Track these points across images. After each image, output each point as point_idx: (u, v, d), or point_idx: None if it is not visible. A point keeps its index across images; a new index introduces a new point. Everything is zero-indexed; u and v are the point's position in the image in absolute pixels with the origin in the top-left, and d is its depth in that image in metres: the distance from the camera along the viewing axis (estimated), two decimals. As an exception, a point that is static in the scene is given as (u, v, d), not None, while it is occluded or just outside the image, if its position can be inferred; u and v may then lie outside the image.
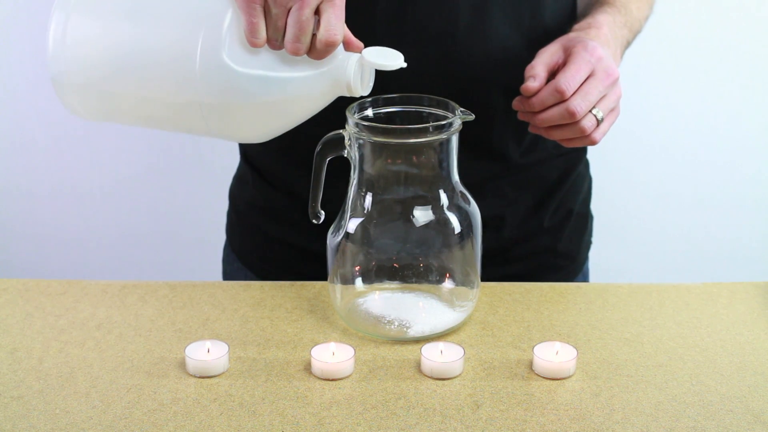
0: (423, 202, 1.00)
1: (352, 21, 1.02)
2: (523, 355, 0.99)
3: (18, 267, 1.97)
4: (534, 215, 1.22)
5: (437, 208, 1.00)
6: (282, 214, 1.22)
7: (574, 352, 0.96)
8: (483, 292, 1.09)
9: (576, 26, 1.12)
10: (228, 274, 1.33)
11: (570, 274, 1.28)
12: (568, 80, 1.01)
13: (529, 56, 1.08)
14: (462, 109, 1.00)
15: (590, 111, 1.03)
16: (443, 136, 0.98)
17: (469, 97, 1.08)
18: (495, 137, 1.15)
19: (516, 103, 1.07)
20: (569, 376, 0.96)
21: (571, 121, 1.02)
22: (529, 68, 1.05)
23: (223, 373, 0.96)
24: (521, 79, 1.07)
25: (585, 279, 1.31)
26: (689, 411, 0.91)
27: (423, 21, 1.09)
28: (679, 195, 1.96)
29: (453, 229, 1.00)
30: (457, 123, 0.99)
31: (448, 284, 1.01)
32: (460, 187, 1.02)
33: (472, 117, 1.00)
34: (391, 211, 1.00)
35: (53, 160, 1.90)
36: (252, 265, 1.27)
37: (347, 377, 0.96)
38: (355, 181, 1.01)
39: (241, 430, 0.88)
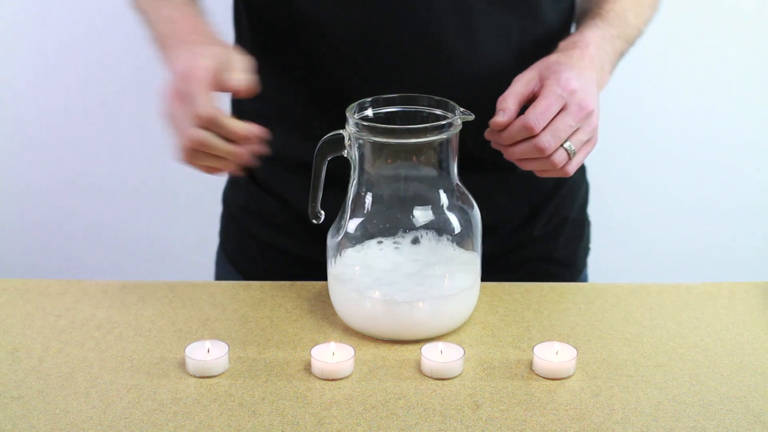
0: (423, 202, 1.00)
1: (338, 42, 1.02)
2: (523, 355, 0.99)
3: (18, 267, 1.97)
4: (526, 223, 1.21)
5: (437, 208, 1.00)
6: (274, 218, 1.21)
7: (574, 352, 0.96)
8: (483, 292, 1.09)
9: (561, 45, 1.09)
10: (219, 278, 1.32)
11: (566, 281, 1.25)
12: (537, 116, 0.99)
13: (519, 69, 1.06)
14: (462, 109, 1.00)
15: (561, 145, 1.01)
16: (443, 136, 0.98)
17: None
18: (486, 151, 1.14)
19: (487, 134, 1.04)
20: (569, 376, 0.96)
21: (541, 156, 1.01)
22: (500, 100, 1.02)
23: (223, 373, 0.96)
24: None
25: None
26: (689, 411, 0.91)
27: (408, 47, 1.09)
28: (679, 195, 1.96)
29: (453, 229, 1.01)
30: (457, 123, 0.99)
31: (447, 284, 1.01)
32: (461, 187, 1.02)
33: (472, 117, 1.00)
34: (391, 212, 1.00)
35: (53, 159, 1.90)
36: (243, 269, 1.26)
37: (347, 377, 0.96)
38: (355, 181, 1.01)
39: (241, 430, 0.88)
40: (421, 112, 1.03)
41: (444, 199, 1.01)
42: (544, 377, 0.95)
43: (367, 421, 0.89)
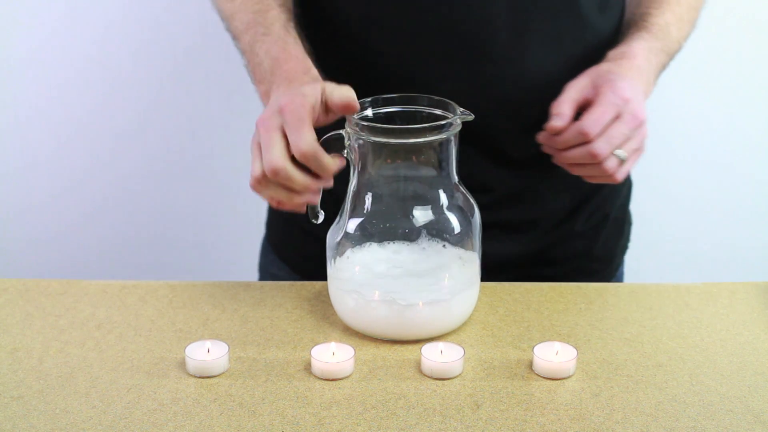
0: (423, 202, 1.00)
1: (389, 36, 1.04)
2: (523, 355, 0.99)
3: (18, 267, 1.97)
4: (569, 219, 1.22)
5: (437, 207, 1.00)
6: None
7: (574, 352, 0.96)
8: (483, 292, 1.09)
9: (610, 54, 1.11)
10: (262, 266, 1.36)
11: (605, 278, 1.28)
12: (592, 123, 1.02)
13: (568, 77, 1.07)
14: (462, 109, 1.00)
15: (613, 152, 1.03)
16: (443, 136, 0.98)
17: (505, 114, 1.09)
18: (536, 151, 1.15)
19: (541, 137, 1.07)
20: (569, 376, 0.96)
21: (594, 162, 1.03)
22: (555, 105, 1.05)
23: (223, 373, 0.96)
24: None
25: (619, 281, 1.31)
26: (689, 411, 0.91)
27: (459, 45, 1.10)
28: (679, 195, 1.96)
29: (453, 229, 1.01)
30: (457, 123, 0.99)
31: (447, 284, 1.01)
32: (461, 187, 1.02)
33: (472, 117, 1.00)
34: (391, 211, 1.00)
35: (53, 158, 1.90)
36: (287, 257, 1.29)
37: (347, 377, 0.96)
38: (355, 181, 1.01)
39: (241, 430, 0.88)
40: (420, 112, 1.03)
41: (444, 199, 1.01)
42: (544, 377, 0.95)
43: (367, 421, 0.89)
